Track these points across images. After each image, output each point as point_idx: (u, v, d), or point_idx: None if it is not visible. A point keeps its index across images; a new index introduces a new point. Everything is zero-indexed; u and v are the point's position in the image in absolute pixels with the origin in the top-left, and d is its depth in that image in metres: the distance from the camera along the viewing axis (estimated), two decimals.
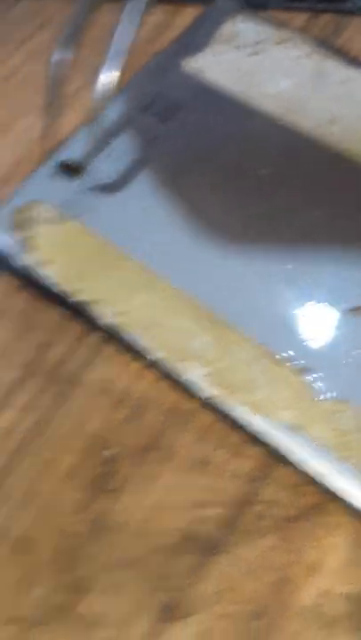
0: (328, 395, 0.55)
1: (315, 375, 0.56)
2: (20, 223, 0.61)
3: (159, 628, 0.50)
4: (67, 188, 0.64)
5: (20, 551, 0.53)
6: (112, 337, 0.59)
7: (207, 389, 0.57)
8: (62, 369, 0.59)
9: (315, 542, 0.53)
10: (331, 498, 0.53)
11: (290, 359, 0.57)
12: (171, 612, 0.50)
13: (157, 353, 0.58)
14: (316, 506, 0.53)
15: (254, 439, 0.56)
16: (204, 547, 0.52)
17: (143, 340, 0.59)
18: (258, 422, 0.56)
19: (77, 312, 0.59)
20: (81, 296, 0.59)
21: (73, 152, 0.64)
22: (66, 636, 0.50)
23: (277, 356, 0.57)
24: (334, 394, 0.55)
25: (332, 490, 0.53)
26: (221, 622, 0.50)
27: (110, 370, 0.59)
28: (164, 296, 0.60)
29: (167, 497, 0.54)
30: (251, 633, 0.50)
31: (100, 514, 0.53)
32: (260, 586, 0.51)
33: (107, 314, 0.59)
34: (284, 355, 0.57)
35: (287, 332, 0.58)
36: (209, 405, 0.57)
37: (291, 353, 0.57)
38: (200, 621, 0.50)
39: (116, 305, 0.59)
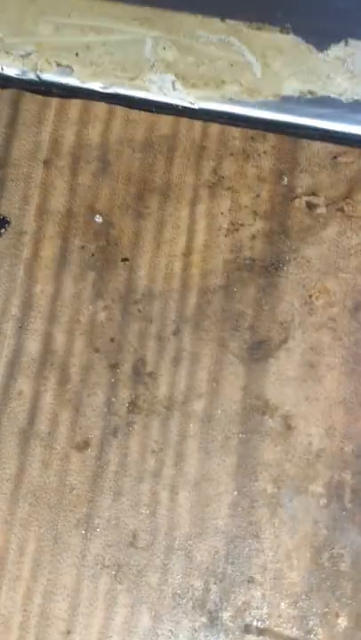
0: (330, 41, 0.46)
1: (303, 27, 0.46)
2: None
3: (257, 371, 0.43)
4: None
5: None
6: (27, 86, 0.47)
7: (184, 95, 0.46)
8: None
9: None
10: None
11: (268, 20, 0.46)
12: (261, 349, 0.43)
13: (99, 80, 0.47)
14: None
15: (261, 132, 0.47)
16: (263, 267, 0.45)
17: (75, 72, 0.47)
18: (263, 107, 0.46)
19: None
20: None
21: None
22: (156, 428, 0.42)
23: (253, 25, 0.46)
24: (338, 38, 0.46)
25: None
26: (323, 333, 0.44)
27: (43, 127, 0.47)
28: (76, 12, 0.47)
29: (193, 240, 0.45)
30: None
31: (122, 290, 0.44)
32: (348, 276, 0.45)
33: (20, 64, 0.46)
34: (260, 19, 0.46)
35: None
36: (191, 115, 0.46)
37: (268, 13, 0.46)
38: (300, 342, 0.43)
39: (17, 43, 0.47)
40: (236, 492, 0.41)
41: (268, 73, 0.47)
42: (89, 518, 0.41)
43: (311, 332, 0.43)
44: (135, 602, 0.40)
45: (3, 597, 0.39)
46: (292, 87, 0.46)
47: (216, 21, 0.48)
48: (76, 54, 0.47)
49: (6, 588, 0.39)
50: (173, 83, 0.47)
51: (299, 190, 0.45)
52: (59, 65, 0.47)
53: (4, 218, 0.45)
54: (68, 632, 0.39)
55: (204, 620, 0.40)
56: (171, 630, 0.40)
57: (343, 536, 0.41)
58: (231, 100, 0.47)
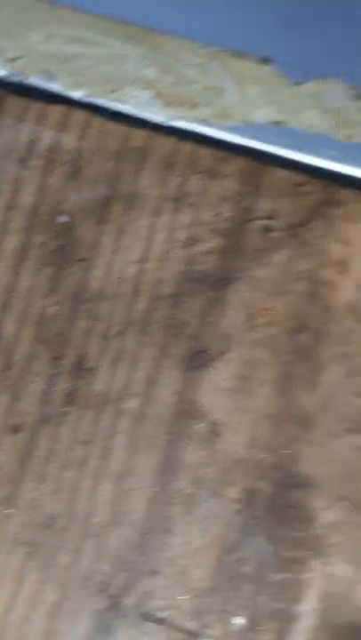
0: (307, 76, 0.47)
1: (282, 59, 0.48)
2: None
3: (193, 378, 0.44)
4: None
5: None
6: (12, 88, 0.49)
7: (160, 112, 0.48)
8: None
9: (336, 236, 0.46)
10: (338, 187, 0.47)
11: (249, 50, 0.48)
12: (200, 358, 0.44)
13: (81, 90, 0.49)
14: (324, 201, 0.47)
15: (229, 154, 0.48)
16: (213, 281, 0.46)
17: (59, 79, 0.49)
18: (234, 131, 0.48)
19: None
20: None
21: None
22: (88, 420, 0.44)
23: (234, 52, 0.48)
24: (314, 74, 0.47)
25: (341, 175, 0.46)
26: (261, 350, 0.45)
27: (22, 128, 0.49)
28: (68, 23, 0.49)
29: (150, 249, 0.47)
30: (298, 349, 0.45)
31: (75, 288, 0.46)
32: (292, 298, 0.46)
33: None
34: (242, 48, 0.48)
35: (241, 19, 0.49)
36: (165, 132, 0.48)
37: (251, 42, 0.48)
38: (237, 356, 0.45)
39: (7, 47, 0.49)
40: (156, 489, 0.43)
41: (242, 100, 0.49)
42: (11, 497, 0.42)
43: (250, 347, 0.45)
44: (45, 580, 0.42)
45: None
46: (263, 115, 0.48)
47: (199, 46, 0.50)
48: (63, 63, 0.49)
49: None
50: (151, 99, 0.49)
51: (258, 213, 0.47)
52: (44, 72, 0.49)
53: None
54: None
55: (107, 603, 0.42)
56: (75, 609, 0.42)
57: (251, 542, 0.42)
58: (203, 122, 0.49)
